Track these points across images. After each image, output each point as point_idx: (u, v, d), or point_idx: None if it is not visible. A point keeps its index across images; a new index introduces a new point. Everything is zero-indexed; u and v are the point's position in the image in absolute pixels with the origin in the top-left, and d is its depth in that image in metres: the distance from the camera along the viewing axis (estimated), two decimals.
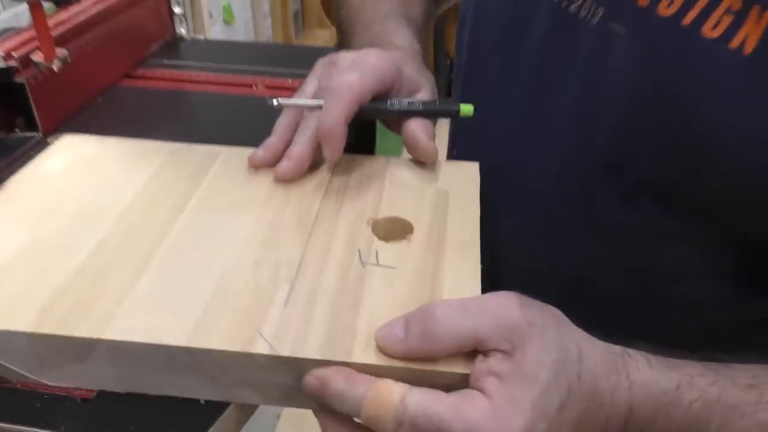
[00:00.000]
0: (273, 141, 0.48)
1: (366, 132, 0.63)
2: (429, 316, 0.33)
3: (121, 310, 0.36)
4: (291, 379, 0.35)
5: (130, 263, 0.40)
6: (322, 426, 0.36)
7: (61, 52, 0.62)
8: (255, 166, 0.48)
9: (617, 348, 0.36)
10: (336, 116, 0.44)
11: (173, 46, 0.86)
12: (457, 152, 0.62)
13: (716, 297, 0.47)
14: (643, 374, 0.35)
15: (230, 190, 0.47)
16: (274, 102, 0.48)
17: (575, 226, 0.50)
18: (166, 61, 0.80)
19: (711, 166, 0.41)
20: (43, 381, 0.37)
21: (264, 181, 0.47)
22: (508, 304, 0.34)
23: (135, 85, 0.75)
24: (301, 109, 0.48)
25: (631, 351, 0.36)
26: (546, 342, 0.33)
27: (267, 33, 2.32)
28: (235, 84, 0.75)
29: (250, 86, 0.75)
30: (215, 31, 1.91)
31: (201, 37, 1.14)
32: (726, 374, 0.37)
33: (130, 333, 0.35)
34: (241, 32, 2.15)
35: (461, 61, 0.60)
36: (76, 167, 0.49)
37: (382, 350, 0.34)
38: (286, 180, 0.47)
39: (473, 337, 0.33)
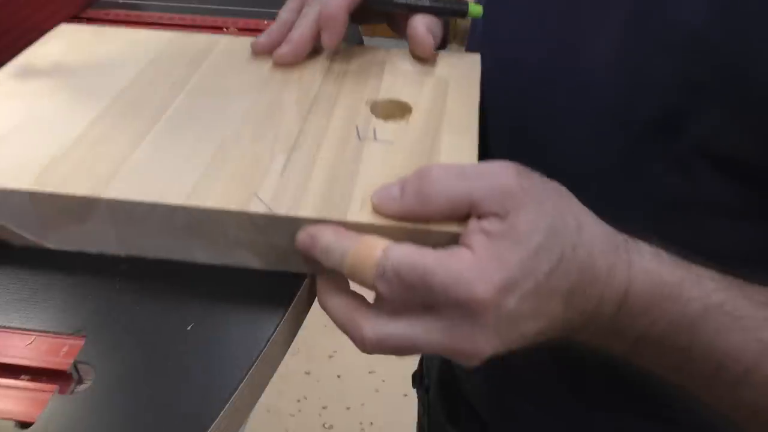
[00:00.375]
0: (275, 28, 0.50)
1: None
2: (425, 177, 0.34)
3: (121, 173, 0.39)
4: (287, 240, 0.37)
5: (128, 134, 0.42)
6: (318, 289, 0.37)
7: None
8: (256, 53, 0.50)
9: (623, 234, 0.36)
10: (339, 2, 0.45)
11: None
12: None
13: None
14: (646, 263, 0.35)
15: (229, 73, 0.49)
16: None
17: (614, 197, 0.43)
18: (120, 0, 0.74)
19: None
20: (46, 244, 0.40)
21: (263, 67, 0.49)
22: (505, 171, 0.34)
23: None
24: None
25: (638, 240, 0.36)
26: (542, 209, 0.33)
27: None
28: (202, 26, 0.69)
29: (220, 29, 0.68)
30: None
31: None
32: (741, 286, 0.36)
33: (130, 192, 0.37)
34: None
35: None
36: (73, 52, 0.51)
37: (377, 210, 0.36)
38: (285, 64, 0.49)
39: (467, 200, 0.33)
